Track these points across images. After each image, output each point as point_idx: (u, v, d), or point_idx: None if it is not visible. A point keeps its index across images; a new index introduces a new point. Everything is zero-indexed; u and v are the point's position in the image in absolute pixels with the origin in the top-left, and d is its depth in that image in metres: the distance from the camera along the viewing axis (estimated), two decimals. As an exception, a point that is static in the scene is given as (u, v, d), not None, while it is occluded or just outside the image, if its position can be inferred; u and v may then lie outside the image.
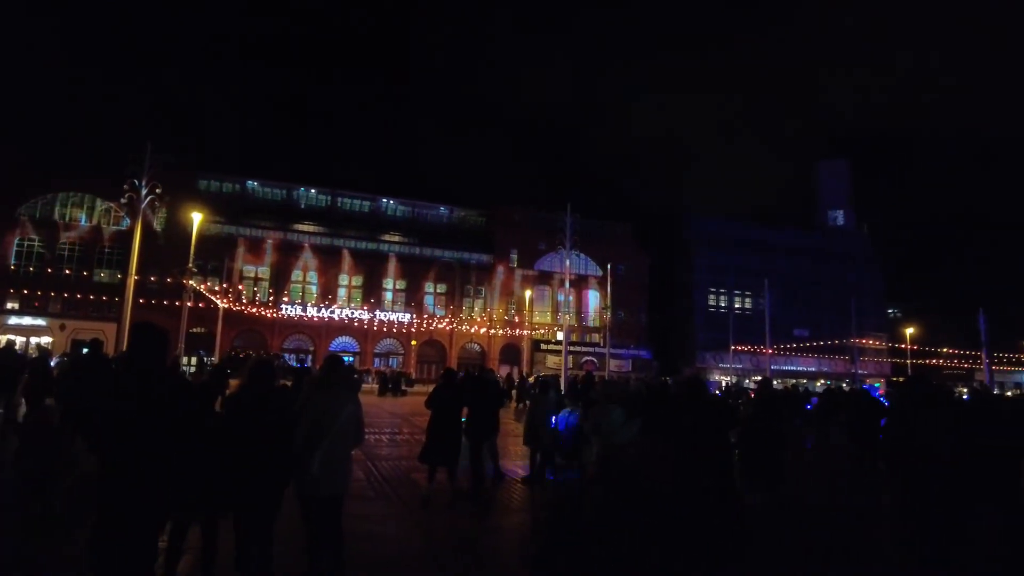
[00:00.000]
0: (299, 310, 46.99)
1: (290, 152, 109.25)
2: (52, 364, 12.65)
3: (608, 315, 44.14)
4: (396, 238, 54.77)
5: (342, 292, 50.15)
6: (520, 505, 8.22)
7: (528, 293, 51.86)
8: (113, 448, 3.02)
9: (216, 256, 44.46)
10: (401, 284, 52.07)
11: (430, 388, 9.75)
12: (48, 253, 42.44)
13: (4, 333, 36.76)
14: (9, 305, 41.11)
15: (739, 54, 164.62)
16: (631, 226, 61.81)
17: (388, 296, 51.58)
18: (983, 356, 40.95)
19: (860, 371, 52.44)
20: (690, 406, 4.56)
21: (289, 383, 9.02)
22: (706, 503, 4.01)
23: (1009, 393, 37.80)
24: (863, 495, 9.72)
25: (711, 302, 63.64)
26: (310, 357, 46.69)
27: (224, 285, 42.99)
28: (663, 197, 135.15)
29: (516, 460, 11.47)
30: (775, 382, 32.84)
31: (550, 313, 55.68)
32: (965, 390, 31.28)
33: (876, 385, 46.23)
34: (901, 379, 41.81)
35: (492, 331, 52.21)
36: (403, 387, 33.33)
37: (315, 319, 47.28)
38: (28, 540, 5.42)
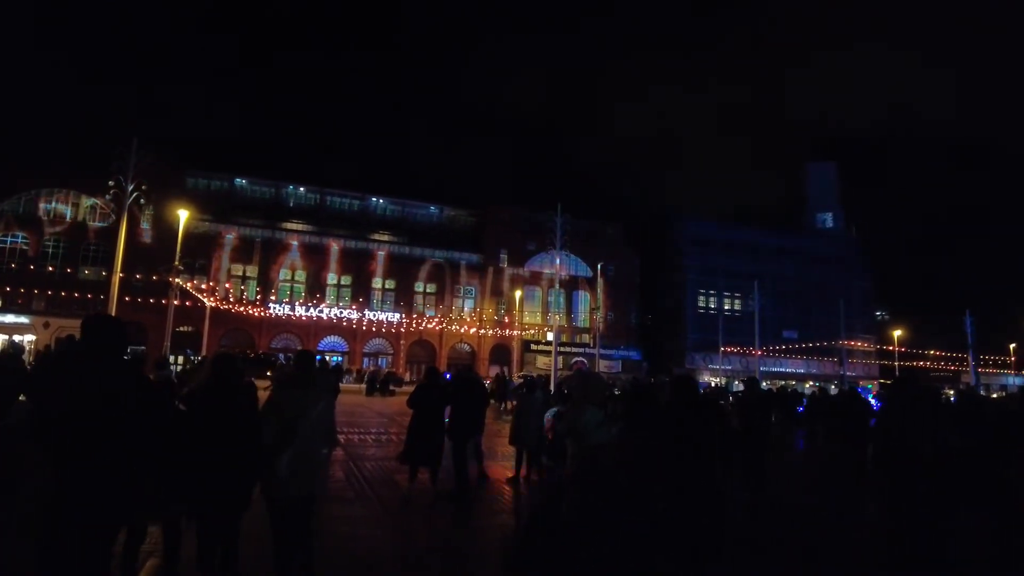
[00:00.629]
0: (287, 309, 46.63)
1: (279, 150, 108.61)
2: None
3: (598, 316, 44.07)
4: (385, 237, 54.48)
5: (331, 291, 49.81)
6: (504, 507, 8.10)
7: (518, 293, 51.72)
8: (65, 448, 2.87)
9: (203, 254, 44.07)
10: (390, 283, 51.80)
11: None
12: (32, 250, 41.89)
13: (-14, 331, 36.26)
14: (-9, 302, 40.50)
15: (727, 54, 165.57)
16: (621, 227, 61.85)
17: (377, 295, 51.30)
18: (969, 358, 41.25)
19: (848, 373, 52.65)
20: (678, 405, 4.44)
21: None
22: (687, 502, 3.89)
23: (995, 395, 38.08)
24: (850, 495, 9.70)
25: (701, 303, 63.74)
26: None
27: (211, 283, 42.59)
28: (653, 199, 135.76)
29: (501, 460, 11.36)
30: (764, 383, 32.98)
31: (540, 313, 55.60)
32: (952, 392, 31.47)
33: (868, 387, 46.39)
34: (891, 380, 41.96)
35: (482, 331, 52.06)
36: (391, 387, 33.14)
37: (303, 318, 46.92)
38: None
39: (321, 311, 47.03)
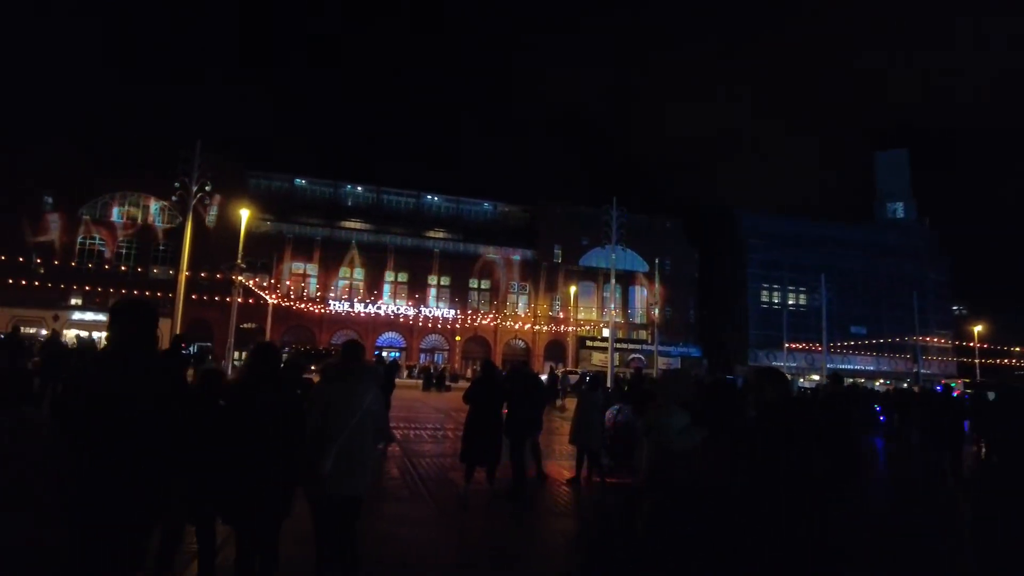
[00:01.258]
0: (346, 306, 47.47)
1: (336, 150, 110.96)
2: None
3: (656, 312, 43.02)
4: (440, 234, 54.82)
5: (388, 288, 50.47)
6: (564, 509, 7.67)
7: (573, 289, 51.08)
8: (81, 441, 2.67)
9: (265, 253, 45.33)
10: (445, 280, 52.09)
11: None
12: (108, 251, 44.06)
13: (68, 328, 38.30)
14: (73, 301, 42.80)
15: (791, 41, 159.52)
16: (681, 222, 60.33)
17: (432, 292, 51.69)
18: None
19: (924, 370, 49.79)
20: (775, 407, 3.67)
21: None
22: (783, 523, 3.31)
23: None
24: (943, 498, 8.86)
25: (764, 298, 61.57)
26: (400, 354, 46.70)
27: (272, 281, 43.73)
28: (713, 192, 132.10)
29: (560, 460, 10.95)
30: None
31: (595, 309, 54.80)
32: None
33: (953, 385, 43.67)
34: (981, 380, 39.42)
35: (536, 328, 51.70)
36: (447, 382, 33.26)
37: (362, 315, 47.69)
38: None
39: (379, 307, 47.67)
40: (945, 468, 9.46)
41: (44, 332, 33.27)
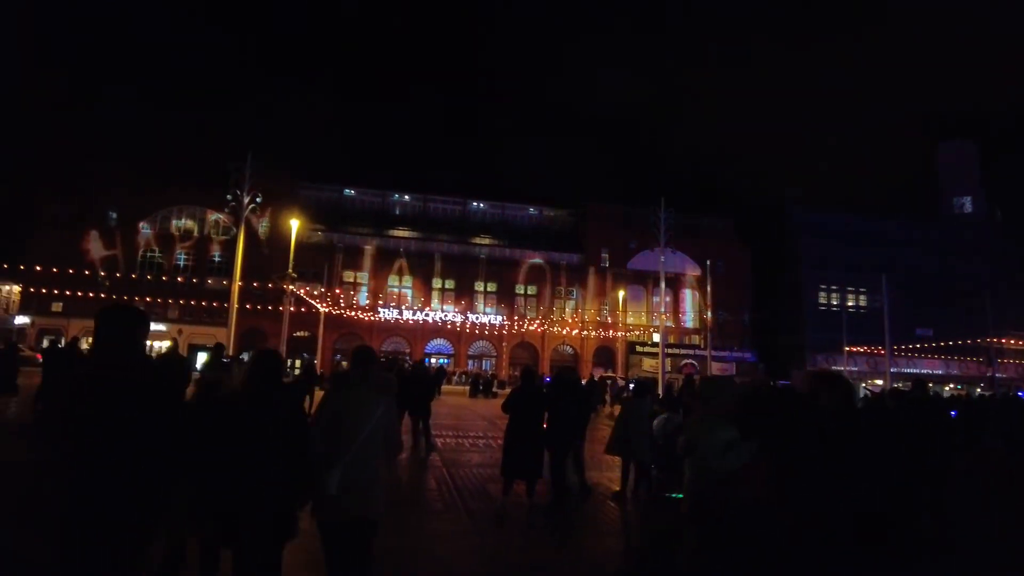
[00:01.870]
0: (395, 313, 47.93)
1: (383, 160, 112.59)
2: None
3: (709, 315, 41.78)
4: (486, 240, 54.83)
5: (435, 295, 50.75)
6: (608, 527, 7.22)
7: (621, 293, 50.20)
8: (65, 452, 2.51)
9: (316, 262, 46.20)
10: (492, 286, 52.03)
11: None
12: (166, 263, 45.74)
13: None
14: (136, 313, 44.56)
15: (848, 34, 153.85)
16: (732, 221, 58.67)
17: (480, 298, 51.67)
18: None
19: (999, 375, 46.78)
20: (836, 416, 3.16)
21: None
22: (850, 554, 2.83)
23: None
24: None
25: (822, 300, 59.19)
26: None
27: (324, 290, 44.47)
28: (765, 189, 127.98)
29: (606, 471, 10.46)
30: (897, 385, 29.63)
31: (645, 314, 53.71)
32: None
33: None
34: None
35: (584, 333, 51.00)
36: (494, 389, 33.07)
37: (410, 322, 48.05)
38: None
39: (427, 315, 47.93)
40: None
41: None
